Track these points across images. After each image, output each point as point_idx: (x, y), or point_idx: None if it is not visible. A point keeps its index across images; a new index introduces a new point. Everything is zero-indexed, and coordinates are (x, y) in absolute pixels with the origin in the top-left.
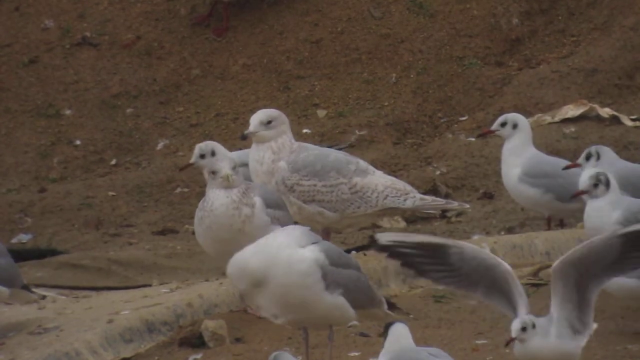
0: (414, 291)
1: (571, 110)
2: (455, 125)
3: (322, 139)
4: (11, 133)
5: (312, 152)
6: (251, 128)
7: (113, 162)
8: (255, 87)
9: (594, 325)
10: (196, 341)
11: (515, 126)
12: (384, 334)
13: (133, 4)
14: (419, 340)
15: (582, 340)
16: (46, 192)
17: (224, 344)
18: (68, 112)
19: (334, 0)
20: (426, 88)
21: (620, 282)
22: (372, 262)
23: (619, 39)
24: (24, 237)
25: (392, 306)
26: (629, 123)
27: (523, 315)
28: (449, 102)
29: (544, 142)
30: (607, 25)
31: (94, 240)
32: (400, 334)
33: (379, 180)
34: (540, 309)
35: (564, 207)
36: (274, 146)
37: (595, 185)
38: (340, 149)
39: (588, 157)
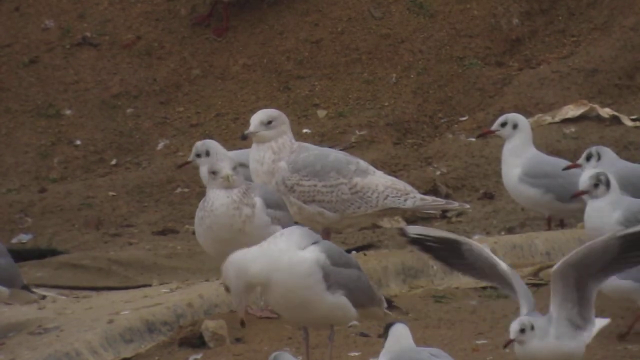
0: (414, 291)
1: (571, 111)
2: (456, 126)
3: (322, 139)
4: (11, 133)
5: (312, 152)
6: (251, 128)
7: (113, 162)
8: (255, 87)
9: (607, 320)
10: (196, 341)
11: (515, 126)
12: (384, 334)
13: (133, 4)
14: (419, 340)
15: (585, 337)
16: (46, 192)
17: (224, 344)
18: (68, 112)
19: (334, 0)
20: (426, 88)
21: (614, 284)
22: (372, 262)
23: (619, 39)
24: (24, 237)
25: (391, 305)
26: (629, 123)
27: (522, 317)
28: (449, 102)
29: (544, 142)
30: (607, 26)
31: (94, 240)
32: (400, 334)
33: (379, 180)
34: (540, 309)
35: (564, 208)
36: (275, 146)
37: (596, 186)
38: (343, 149)
39: (588, 158)
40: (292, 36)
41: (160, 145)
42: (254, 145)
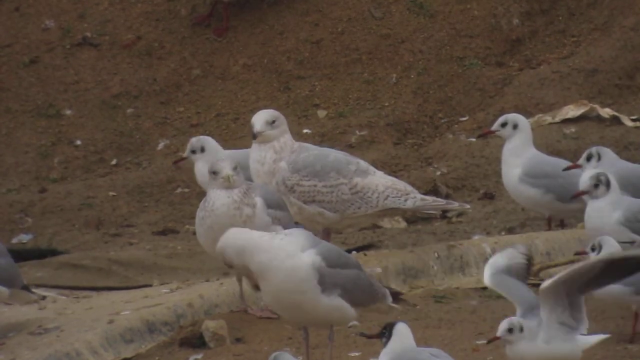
0: (414, 291)
1: (572, 111)
2: (456, 126)
3: (323, 139)
4: (12, 133)
5: (312, 152)
6: (258, 128)
7: (113, 162)
8: (255, 87)
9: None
10: (197, 341)
11: (515, 126)
12: (380, 334)
13: (133, 4)
14: (420, 341)
15: (578, 337)
16: (46, 192)
17: (225, 344)
18: (68, 112)
19: (334, 0)
20: (426, 88)
21: (605, 289)
22: (372, 262)
23: (619, 39)
24: (24, 237)
25: (396, 297)
26: (630, 123)
27: (513, 317)
28: (449, 102)
29: (545, 142)
30: (608, 26)
31: (95, 241)
32: (402, 334)
33: (379, 180)
34: None
35: (565, 208)
36: (277, 146)
37: (596, 186)
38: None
39: (589, 158)
40: (292, 36)
41: (160, 146)
42: (254, 146)
